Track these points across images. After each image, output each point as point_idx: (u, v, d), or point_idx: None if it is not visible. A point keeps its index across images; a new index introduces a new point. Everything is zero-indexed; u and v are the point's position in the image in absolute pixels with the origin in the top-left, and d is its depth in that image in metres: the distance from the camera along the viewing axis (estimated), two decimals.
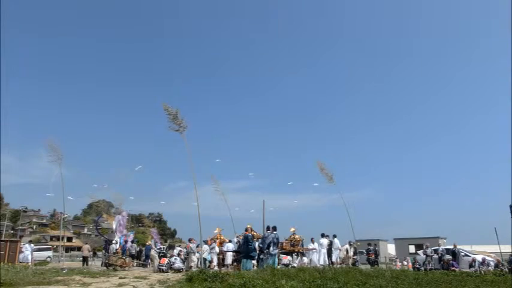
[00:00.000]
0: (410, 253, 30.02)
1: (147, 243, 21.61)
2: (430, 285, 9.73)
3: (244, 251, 13.65)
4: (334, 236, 19.22)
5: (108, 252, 20.04)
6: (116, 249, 19.54)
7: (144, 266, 19.51)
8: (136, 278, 11.31)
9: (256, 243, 15.09)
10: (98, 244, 55.21)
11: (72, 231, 79.19)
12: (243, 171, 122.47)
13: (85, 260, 22.24)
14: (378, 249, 19.73)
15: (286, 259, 17.73)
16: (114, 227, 21.22)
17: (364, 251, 23.09)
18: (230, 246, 18.14)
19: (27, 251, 22.38)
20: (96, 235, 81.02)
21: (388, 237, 42.64)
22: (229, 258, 17.63)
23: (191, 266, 15.54)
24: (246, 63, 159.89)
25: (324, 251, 18.55)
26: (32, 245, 26.98)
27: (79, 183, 67.55)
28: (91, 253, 27.32)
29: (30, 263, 20.81)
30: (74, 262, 29.40)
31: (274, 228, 14.46)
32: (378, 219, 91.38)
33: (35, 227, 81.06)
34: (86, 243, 25.35)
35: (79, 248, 63.46)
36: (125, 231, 21.21)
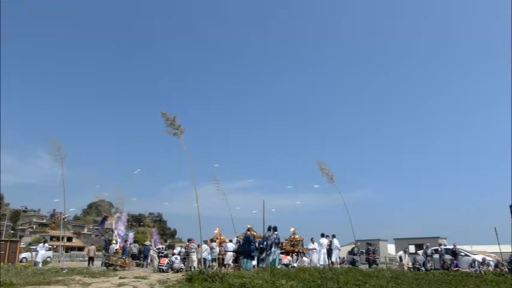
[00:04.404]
0: (411, 253, 29.96)
1: (146, 243, 21.64)
2: (430, 285, 9.74)
3: (245, 251, 13.64)
4: (334, 236, 19.21)
5: (108, 252, 20.02)
6: (116, 249, 19.54)
7: (144, 266, 19.49)
8: (136, 278, 11.31)
9: (257, 243, 15.07)
10: (98, 244, 55.12)
11: (72, 231, 79.09)
12: (243, 171, 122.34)
13: (91, 260, 22.40)
14: (377, 249, 19.70)
15: (286, 259, 17.70)
16: (113, 226, 21.25)
17: (363, 251, 23.07)
18: (230, 246, 18.12)
19: (42, 251, 22.58)
20: (96, 235, 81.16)
21: (388, 237, 42.58)
22: (229, 258, 17.60)
23: (191, 266, 15.52)
24: (247, 63, 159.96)
25: (324, 251, 18.52)
26: (47, 244, 27.28)
27: (79, 184, 67.64)
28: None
29: (38, 262, 21.08)
30: (74, 262, 29.40)
31: (275, 229, 14.43)
32: (378, 219, 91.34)
33: (35, 227, 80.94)
34: (92, 245, 25.48)
35: (79, 248, 63.45)
36: (123, 231, 21.21)
